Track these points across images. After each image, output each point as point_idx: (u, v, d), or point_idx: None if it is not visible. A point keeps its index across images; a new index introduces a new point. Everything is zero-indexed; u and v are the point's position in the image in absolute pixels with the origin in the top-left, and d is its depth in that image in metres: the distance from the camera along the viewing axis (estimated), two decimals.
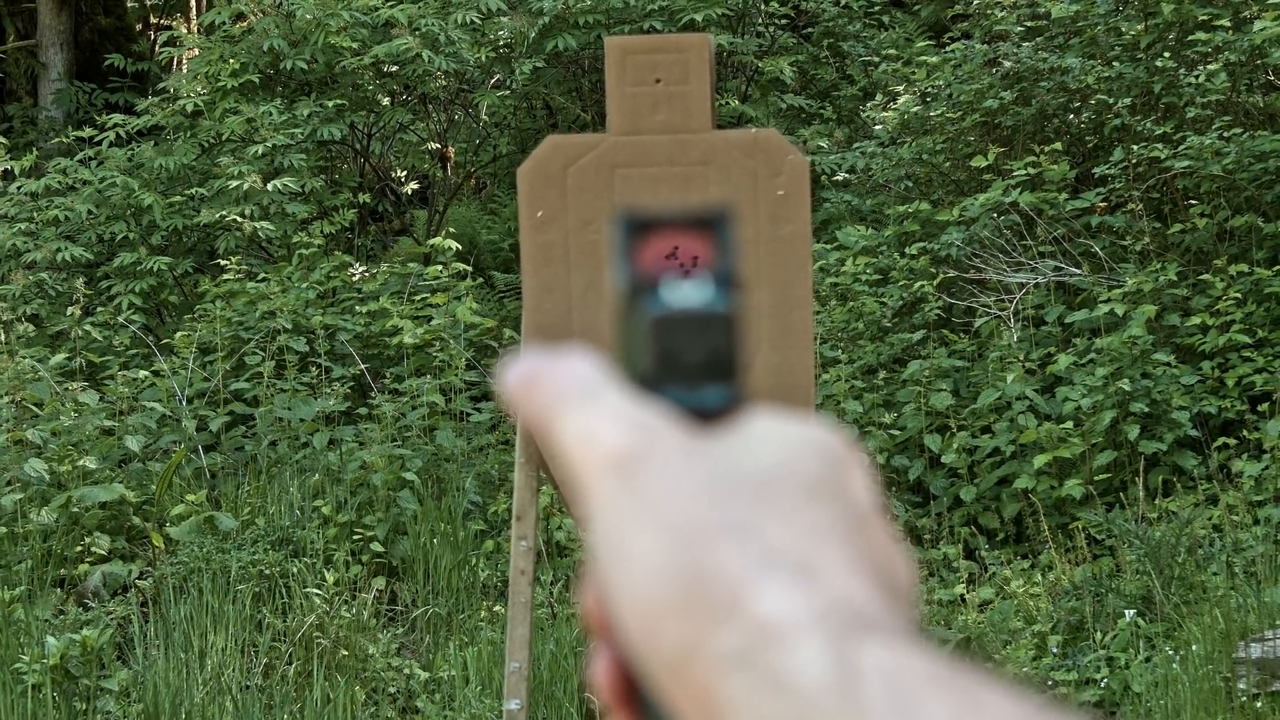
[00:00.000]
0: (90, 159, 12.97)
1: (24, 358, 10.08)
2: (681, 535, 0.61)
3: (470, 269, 11.63)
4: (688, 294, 0.66)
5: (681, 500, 0.62)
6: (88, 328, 10.85)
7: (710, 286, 0.66)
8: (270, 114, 12.78)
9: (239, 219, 12.22)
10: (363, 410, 10.34)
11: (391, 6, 13.31)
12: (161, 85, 14.12)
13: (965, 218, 11.14)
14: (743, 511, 0.62)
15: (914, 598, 0.65)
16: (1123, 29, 11.86)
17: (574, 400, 0.65)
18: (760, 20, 14.90)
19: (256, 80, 13.26)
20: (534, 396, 0.66)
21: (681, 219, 0.67)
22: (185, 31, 15.81)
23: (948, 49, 12.69)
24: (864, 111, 14.35)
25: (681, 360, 0.65)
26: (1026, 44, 12.08)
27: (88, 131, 13.21)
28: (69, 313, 10.72)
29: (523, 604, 4.39)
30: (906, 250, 11.25)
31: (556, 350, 0.67)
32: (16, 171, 12.95)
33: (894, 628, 0.60)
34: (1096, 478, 9.24)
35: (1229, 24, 11.25)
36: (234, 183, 12.30)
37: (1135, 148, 10.89)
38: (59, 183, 12.70)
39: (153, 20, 18.40)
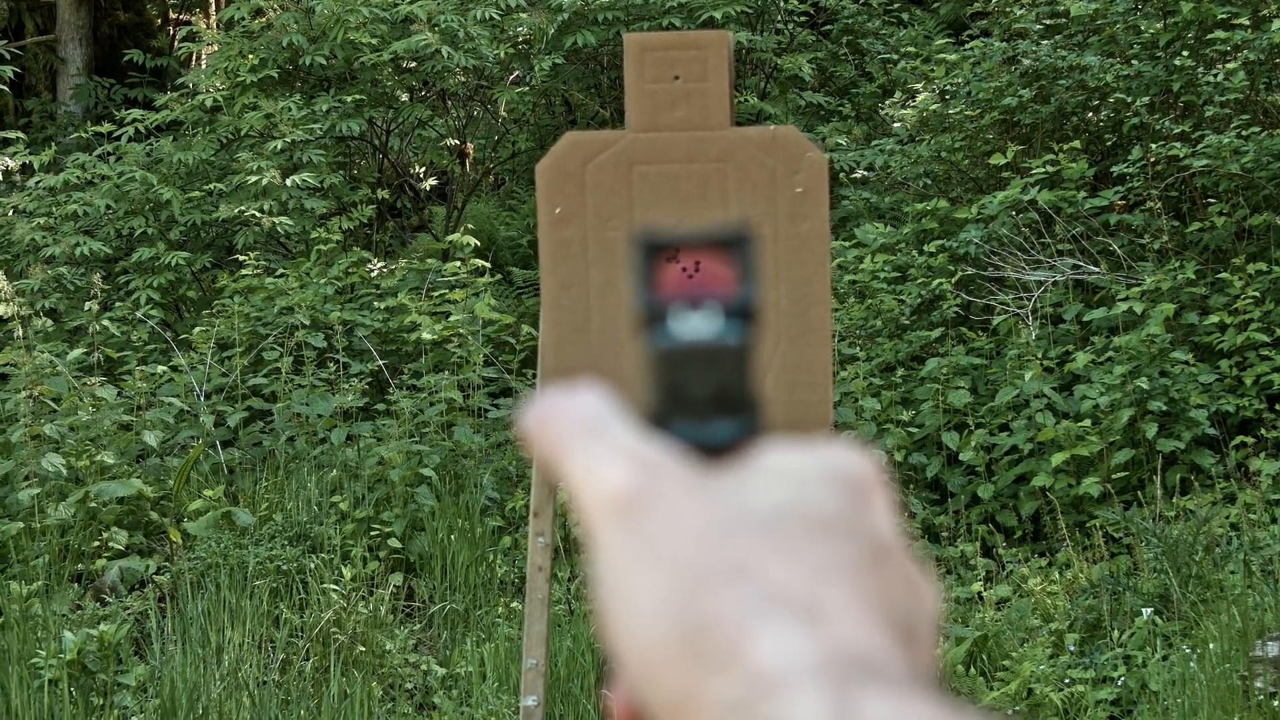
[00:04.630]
0: (109, 154, 12.99)
1: (42, 352, 10.09)
2: (681, 580, 0.60)
3: (488, 265, 11.62)
4: (696, 326, 0.64)
5: (683, 543, 0.61)
6: (106, 323, 10.86)
7: (720, 318, 0.64)
8: (289, 109, 12.79)
9: (257, 214, 12.23)
10: (380, 406, 10.35)
11: (411, 3, 13.31)
12: (180, 80, 14.13)
13: (984, 215, 11.12)
14: (746, 553, 0.60)
15: (934, 631, 0.63)
16: (1142, 27, 11.84)
17: (580, 439, 0.64)
18: (779, 17, 14.89)
19: (275, 76, 13.27)
20: (545, 436, 0.65)
21: (701, 240, 0.65)
22: (204, 27, 15.84)
23: (966, 47, 12.67)
24: (883, 109, 14.34)
25: (689, 395, 0.64)
26: (1045, 42, 12.06)
27: (106, 126, 13.23)
28: (87, 308, 10.74)
29: (540, 600, 4.39)
30: (925, 248, 11.23)
31: (569, 387, 0.66)
32: (35, 166, 12.97)
33: (899, 672, 0.58)
34: (1114, 476, 9.23)
35: (1248, 23, 11.22)
36: (252, 178, 12.31)
37: (1154, 146, 10.87)
38: (78, 178, 12.72)
39: (172, 16, 18.43)
